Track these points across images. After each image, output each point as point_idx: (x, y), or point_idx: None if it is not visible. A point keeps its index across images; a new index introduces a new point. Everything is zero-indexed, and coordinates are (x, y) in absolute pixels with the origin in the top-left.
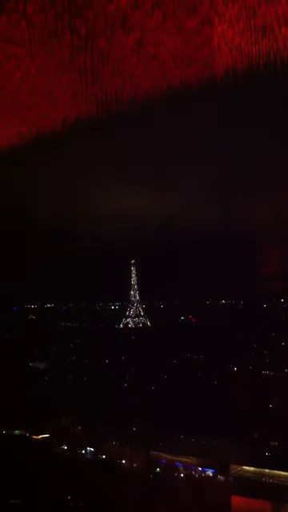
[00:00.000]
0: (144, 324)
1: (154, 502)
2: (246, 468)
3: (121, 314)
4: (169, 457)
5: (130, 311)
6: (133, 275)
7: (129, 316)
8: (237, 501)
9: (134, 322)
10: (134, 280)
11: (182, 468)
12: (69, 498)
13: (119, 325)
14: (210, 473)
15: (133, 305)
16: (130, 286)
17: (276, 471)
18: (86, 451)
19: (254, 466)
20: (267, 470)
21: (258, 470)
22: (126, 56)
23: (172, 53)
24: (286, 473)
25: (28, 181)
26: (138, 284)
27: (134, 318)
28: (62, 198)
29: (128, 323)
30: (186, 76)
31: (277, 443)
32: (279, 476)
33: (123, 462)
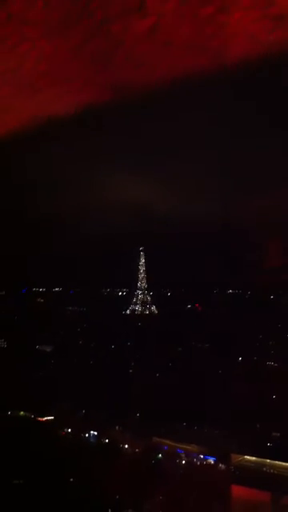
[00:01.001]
0: (151, 311)
1: (154, 487)
2: (248, 458)
3: (128, 300)
4: (171, 443)
5: (137, 298)
6: (141, 262)
7: (136, 303)
8: (237, 490)
9: (140, 308)
10: (142, 267)
11: (183, 455)
12: (71, 480)
13: (126, 311)
14: (211, 461)
15: (140, 292)
16: (137, 273)
17: (277, 462)
18: (89, 435)
19: (255, 456)
20: (268, 461)
21: (259, 460)
22: (139, 42)
23: (186, 40)
24: (287, 464)
25: (39, 164)
26: (145, 271)
27: (141, 304)
28: (73, 183)
29: (135, 310)
30: (199, 64)
31: (279, 434)
32: (280, 467)
33: (126, 446)
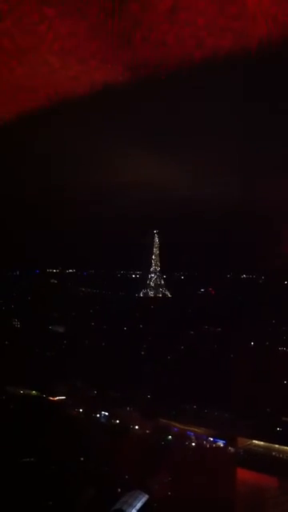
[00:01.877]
0: (164, 294)
1: (163, 468)
2: (256, 442)
3: (141, 283)
4: (180, 425)
5: (150, 281)
6: (155, 245)
7: (149, 286)
8: (244, 474)
9: (154, 291)
10: (156, 250)
11: (193, 437)
12: (81, 459)
13: (139, 294)
14: (220, 444)
15: (154, 275)
16: (151, 256)
17: (286, 447)
18: (100, 415)
19: (264, 441)
20: (277, 446)
21: (268, 444)
22: (158, 22)
23: (206, 21)
24: None
25: (54, 145)
26: (159, 254)
27: (155, 287)
28: (87, 164)
29: (148, 293)
30: (221, 45)
31: None
32: None
33: (136, 427)
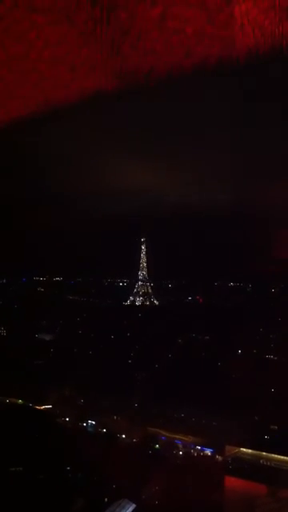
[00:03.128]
0: (151, 302)
1: (151, 477)
2: (244, 450)
3: (129, 291)
4: (168, 434)
5: (137, 289)
6: (142, 253)
7: (136, 293)
8: (233, 482)
9: (141, 299)
10: (143, 258)
11: (181, 445)
12: (68, 468)
13: (126, 301)
14: (208, 452)
15: (141, 283)
16: (139, 264)
17: (274, 455)
18: (87, 424)
19: (252, 449)
20: (264, 453)
21: (256, 452)
22: (148, 30)
23: (195, 29)
24: (283, 457)
25: (42, 153)
26: (147, 262)
27: (142, 295)
28: (76, 172)
29: (135, 300)
30: (209, 54)
31: (277, 427)
32: (277, 460)
33: (123, 436)
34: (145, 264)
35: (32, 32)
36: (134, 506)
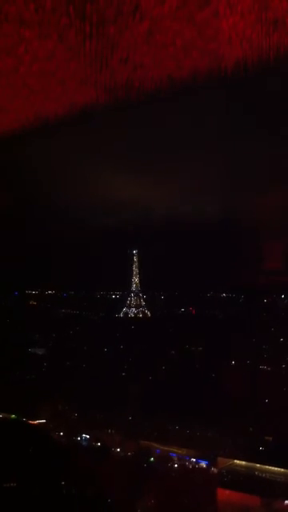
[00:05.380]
0: (144, 314)
1: (146, 491)
2: (238, 462)
3: (121, 303)
4: (163, 447)
5: (130, 301)
6: (135, 265)
7: (129, 306)
8: (227, 494)
9: (134, 311)
10: (135, 270)
11: (175, 458)
12: (62, 483)
13: (119, 314)
14: (203, 464)
15: (134, 295)
16: (131, 276)
17: (268, 466)
18: (81, 438)
19: (246, 460)
20: (258, 465)
21: (249, 464)
22: (136, 45)
23: (183, 43)
24: (278, 468)
25: (32, 166)
26: (139, 274)
27: (135, 307)
28: (66, 185)
29: (128, 313)
30: (197, 67)
31: (271, 438)
32: (271, 471)
33: (118, 450)
34: (137, 276)
35: (21, 46)
36: None
